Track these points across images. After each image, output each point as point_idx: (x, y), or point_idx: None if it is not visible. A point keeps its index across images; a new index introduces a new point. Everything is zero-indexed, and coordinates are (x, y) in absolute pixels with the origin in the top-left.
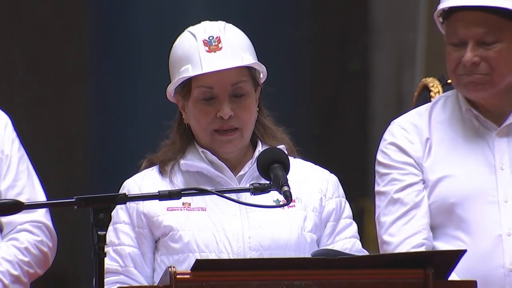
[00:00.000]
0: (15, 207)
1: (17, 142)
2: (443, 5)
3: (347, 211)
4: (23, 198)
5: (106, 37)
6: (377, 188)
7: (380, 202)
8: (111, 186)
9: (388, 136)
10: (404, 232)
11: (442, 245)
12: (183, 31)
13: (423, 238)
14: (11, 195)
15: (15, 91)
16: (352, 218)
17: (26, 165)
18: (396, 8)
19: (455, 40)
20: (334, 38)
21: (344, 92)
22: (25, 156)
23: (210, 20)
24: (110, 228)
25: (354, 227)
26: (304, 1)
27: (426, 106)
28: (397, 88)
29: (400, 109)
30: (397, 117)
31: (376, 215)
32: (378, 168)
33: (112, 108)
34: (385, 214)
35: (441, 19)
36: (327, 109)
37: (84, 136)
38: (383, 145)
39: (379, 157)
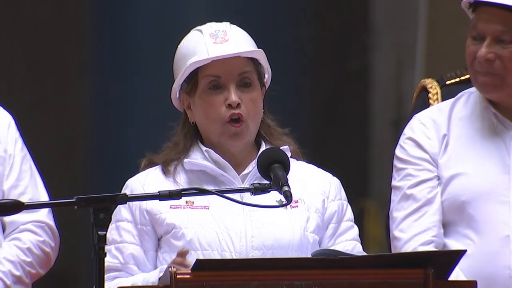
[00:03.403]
0: (15, 207)
1: (20, 141)
2: None
3: (349, 214)
4: (25, 198)
5: (106, 37)
6: (393, 183)
7: (394, 197)
8: (111, 186)
9: (407, 130)
10: (414, 229)
11: (452, 243)
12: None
13: (432, 236)
14: (14, 195)
15: (15, 91)
16: (353, 221)
17: (29, 165)
18: (396, 8)
19: (474, 33)
20: (334, 38)
21: (344, 92)
22: (28, 156)
23: (211, 20)
24: (113, 226)
25: (355, 230)
26: (304, 1)
27: (449, 102)
28: (397, 88)
29: (400, 109)
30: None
31: (390, 209)
32: (396, 163)
33: (111, 108)
34: (397, 210)
35: (471, 10)
36: (327, 109)
37: (84, 136)
38: (402, 140)
39: (397, 151)
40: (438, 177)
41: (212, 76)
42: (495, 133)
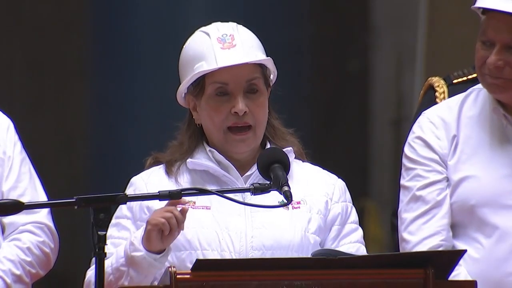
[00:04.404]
0: (15, 207)
1: (19, 144)
2: (478, 4)
3: (353, 216)
4: (25, 200)
5: (106, 37)
6: (402, 182)
7: (403, 197)
8: (111, 186)
9: (416, 129)
10: (423, 232)
11: (462, 246)
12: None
13: (441, 240)
14: (13, 196)
15: (15, 91)
16: (358, 223)
17: (28, 167)
18: (396, 8)
19: (484, 38)
20: (334, 38)
21: (344, 92)
22: (27, 159)
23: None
24: (113, 221)
25: (359, 232)
26: (304, 1)
27: (458, 99)
28: (397, 88)
29: (400, 109)
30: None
31: (399, 209)
32: (405, 161)
33: (112, 108)
34: (406, 211)
35: (481, 11)
36: (327, 109)
37: (84, 136)
38: (411, 138)
39: (406, 150)
40: (447, 179)
41: (219, 83)
42: (504, 134)
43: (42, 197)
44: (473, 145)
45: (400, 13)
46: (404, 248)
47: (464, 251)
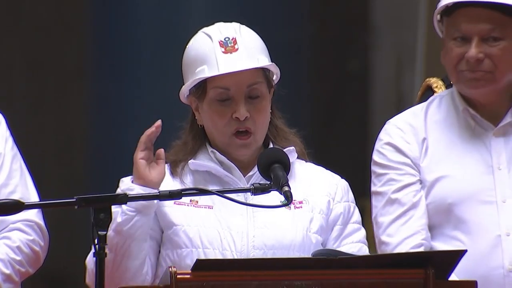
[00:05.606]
0: (16, 207)
1: (10, 140)
2: (447, 1)
3: (356, 216)
4: (16, 197)
5: (106, 37)
6: (373, 189)
7: (377, 203)
8: (111, 186)
9: (384, 136)
10: (402, 233)
11: (440, 245)
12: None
13: (421, 239)
14: (3, 194)
15: (15, 91)
16: (361, 223)
17: (19, 164)
18: (396, 8)
19: (458, 35)
20: (334, 38)
21: (344, 92)
22: (19, 155)
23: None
24: (118, 209)
25: (362, 232)
26: (304, 1)
27: (422, 106)
28: (397, 88)
29: (400, 109)
30: (393, 117)
31: (373, 215)
32: (375, 168)
33: (112, 108)
34: (382, 215)
35: (438, 17)
36: (327, 109)
37: (84, 136)
38: (379, 145)
39: (375, 157)
40: (421, 181)
41: (221, 88)
42: (473, 134)
43: (33, 194)
44: (444, 146)
45: (400, 13)
46: (384, 250)
47: (465, 251)
